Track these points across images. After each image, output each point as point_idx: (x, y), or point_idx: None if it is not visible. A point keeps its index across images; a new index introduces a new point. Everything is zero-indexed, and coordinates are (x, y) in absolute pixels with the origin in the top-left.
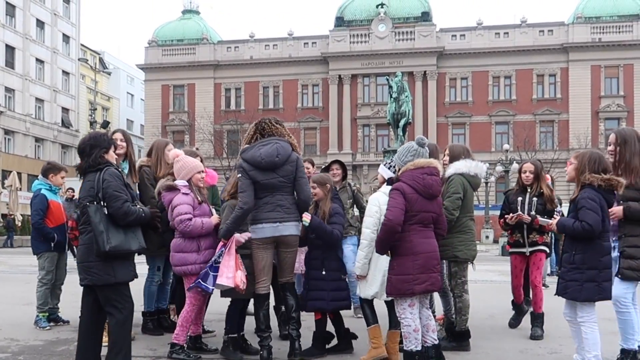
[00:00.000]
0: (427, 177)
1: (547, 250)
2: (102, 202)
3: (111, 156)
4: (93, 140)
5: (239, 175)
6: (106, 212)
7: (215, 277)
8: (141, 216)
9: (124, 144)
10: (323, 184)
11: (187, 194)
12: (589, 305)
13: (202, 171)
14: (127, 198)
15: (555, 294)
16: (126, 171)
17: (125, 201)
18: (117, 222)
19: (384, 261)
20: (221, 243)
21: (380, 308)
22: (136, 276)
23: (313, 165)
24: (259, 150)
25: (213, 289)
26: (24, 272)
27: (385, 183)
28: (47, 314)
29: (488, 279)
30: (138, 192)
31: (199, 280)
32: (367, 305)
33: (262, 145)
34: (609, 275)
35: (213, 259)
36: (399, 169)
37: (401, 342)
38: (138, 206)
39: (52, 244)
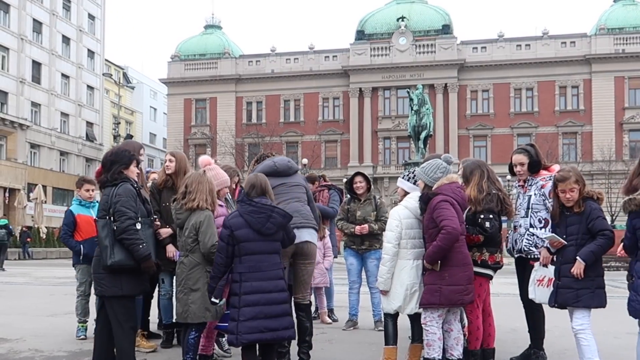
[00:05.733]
0: (462, 192)
1: None
2: (111, 218)
3: (131, 172)
4: (114, 156)
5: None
6: (115, 228)
7: None
8: (137, 247)
9: (172, 164)
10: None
11: (222, 205)
12: (588, 312)
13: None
14: (132, 215)
15: (556, 306)
16: None
17: (129, 218)
18: (116, 236)
19: (405, 275)
20: None
21: (401, 321)
22: (147, 289)
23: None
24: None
25: None
26: (47, 284)
27: (420, 196)
28: (84, 324)
29: (510, 292)
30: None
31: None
32: (391, 323)
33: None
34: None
35: None
36: (424, 184)
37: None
38: (144, 241)
39: (80, 257)
